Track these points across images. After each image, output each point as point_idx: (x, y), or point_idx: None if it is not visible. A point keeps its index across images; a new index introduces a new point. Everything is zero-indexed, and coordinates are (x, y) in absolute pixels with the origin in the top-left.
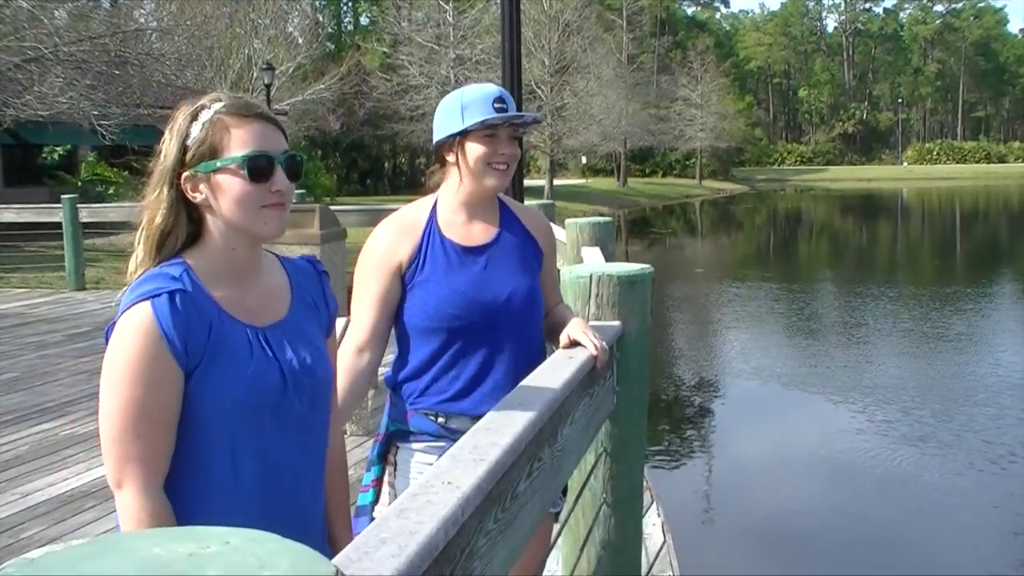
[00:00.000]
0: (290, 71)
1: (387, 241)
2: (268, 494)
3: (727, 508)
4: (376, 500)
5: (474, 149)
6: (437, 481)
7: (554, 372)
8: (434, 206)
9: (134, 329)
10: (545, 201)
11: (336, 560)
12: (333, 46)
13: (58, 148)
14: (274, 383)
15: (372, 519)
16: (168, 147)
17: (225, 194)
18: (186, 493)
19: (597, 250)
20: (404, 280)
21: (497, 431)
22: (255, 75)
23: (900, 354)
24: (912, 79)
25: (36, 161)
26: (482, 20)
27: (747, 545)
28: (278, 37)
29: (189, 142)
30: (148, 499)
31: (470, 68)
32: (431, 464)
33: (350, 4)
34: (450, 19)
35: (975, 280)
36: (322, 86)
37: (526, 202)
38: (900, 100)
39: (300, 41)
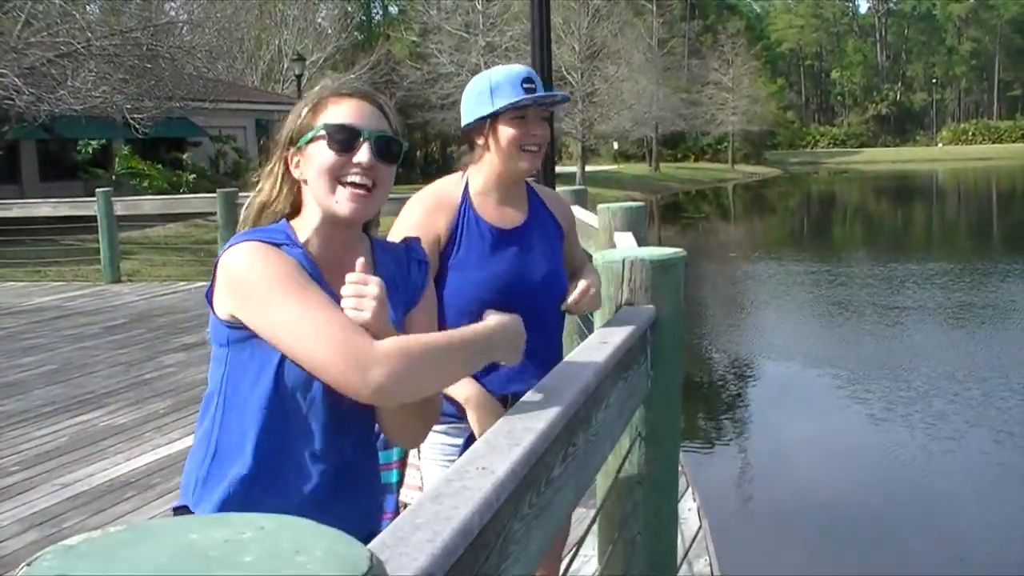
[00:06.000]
0: (320, 61)
1: (424, 215)
2: (331, 464)
3: (763, 492)
4: (401, 480)
5: (505, 132)
6: (471, 466)
7: (588, 357)
8: (466, 185)
9: (260, 252)
10: (577, 187)
11: (372, 545)
12: (362, 36)
13: (92, 142)
14: None
15: (398, 498)
16: (284, 128)
17: (311, 163)
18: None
19: (630, 235)
20: (441, 256)
21: (531, 416)
22: (285, 66)
23: (941, 337)
24: (946, 59)
25: (71, 155)
26: (511, 7)
27: (784, 529)
28: (307, 28)
29: (298, 122)
30: (389, 343)
31: (500, 55)
32: (456, 445)
33: None
34: (479, 6)
35: (1015, 260)
36: (352, 76)
37: (558, 188)
38: (934, 80)
39: (330, 31)
